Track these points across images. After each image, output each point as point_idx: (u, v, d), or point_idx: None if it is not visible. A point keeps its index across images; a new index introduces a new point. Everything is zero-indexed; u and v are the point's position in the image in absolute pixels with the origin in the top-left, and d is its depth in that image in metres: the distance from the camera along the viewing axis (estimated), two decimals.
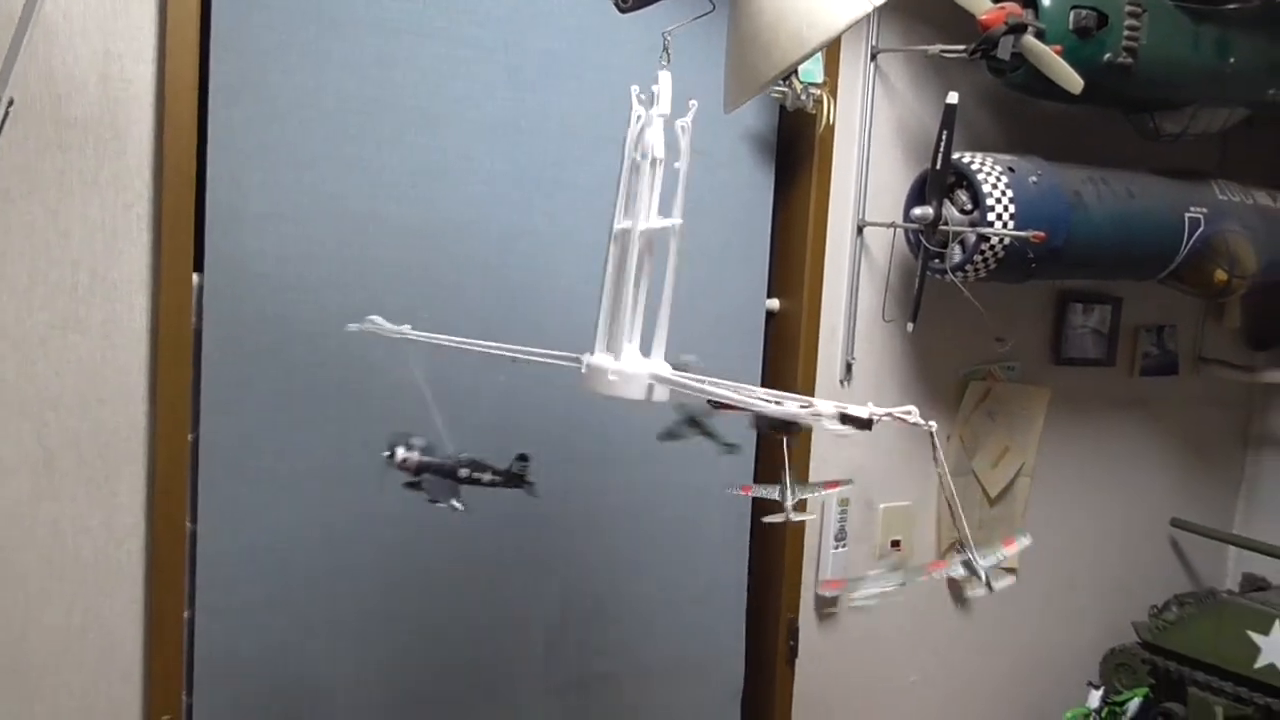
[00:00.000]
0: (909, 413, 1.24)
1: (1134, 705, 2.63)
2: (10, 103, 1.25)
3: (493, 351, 1.45)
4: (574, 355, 1.36)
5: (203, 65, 1.61)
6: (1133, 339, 2.82)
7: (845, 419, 1.14)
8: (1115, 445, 2.84)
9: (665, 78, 1.31)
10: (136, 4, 1.54)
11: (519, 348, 1.45)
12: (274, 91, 1.69)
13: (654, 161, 1.31)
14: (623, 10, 1.31)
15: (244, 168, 1.67)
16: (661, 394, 1.32)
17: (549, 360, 1.40)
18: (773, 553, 2.27)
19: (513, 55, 1.88)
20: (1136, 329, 2.82)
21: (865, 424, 1.23)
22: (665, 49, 1.35)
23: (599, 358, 1.33)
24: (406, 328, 1.47)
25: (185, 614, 1.69)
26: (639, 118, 1.34)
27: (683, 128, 1.37)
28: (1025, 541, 1.60)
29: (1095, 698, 2.66)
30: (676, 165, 1.37)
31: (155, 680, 1.65)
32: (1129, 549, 2.90)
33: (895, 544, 2.42)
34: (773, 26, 1.27)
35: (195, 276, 1.65)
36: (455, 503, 1.47)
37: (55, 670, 1.58)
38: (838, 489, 1.93)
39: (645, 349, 1.36)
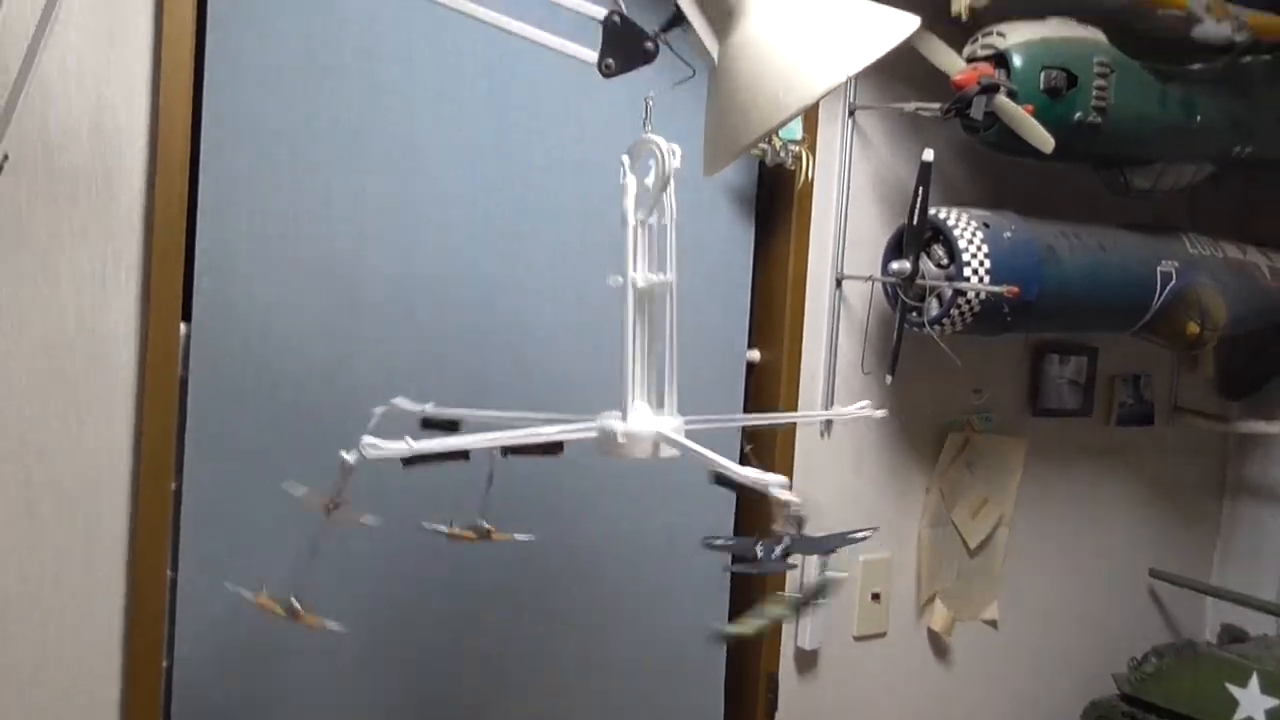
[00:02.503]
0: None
1: None
2: (5, 157, 1.27)
3: (515, 426, 1.42)
4: (593, 423, 1.35)
5: (195, 116, 1.65)
6: (1109, 389, 2.86)
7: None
8: (1093, 495, 2.86)
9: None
10: (131, 55, 1.57)
11: (542, 416, 1.42)
12: (263, 142, 1.72)
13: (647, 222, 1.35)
14: (606, 75, 1.35)
15: (233, 217, 1.70)
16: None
17: (574, 436, 1.37)
18: (752, 603, 2.27)
19: (497, 108, 1.92)
20: (1112, 379, 2.86)
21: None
22: (648, 113, 1.39)
23: (605, 421, 1.33)
24: (429, 406, 1.47)
25: (164, 663, 1.69)
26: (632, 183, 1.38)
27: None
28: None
29: None
30: (664, 223, 1.41)
31: None
32: (1108, 599, 2.92)
33: (875, 596, 2.43)
34: (751, 92, 1.31)
35: (183, 325, 1.66)
36: None
37: (31, 716, 1.58)
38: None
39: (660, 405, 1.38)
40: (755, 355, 2.29)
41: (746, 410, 2.28)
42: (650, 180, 1.36)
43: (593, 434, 1.33)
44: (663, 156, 1.32)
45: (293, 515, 1.78)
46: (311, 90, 1.75)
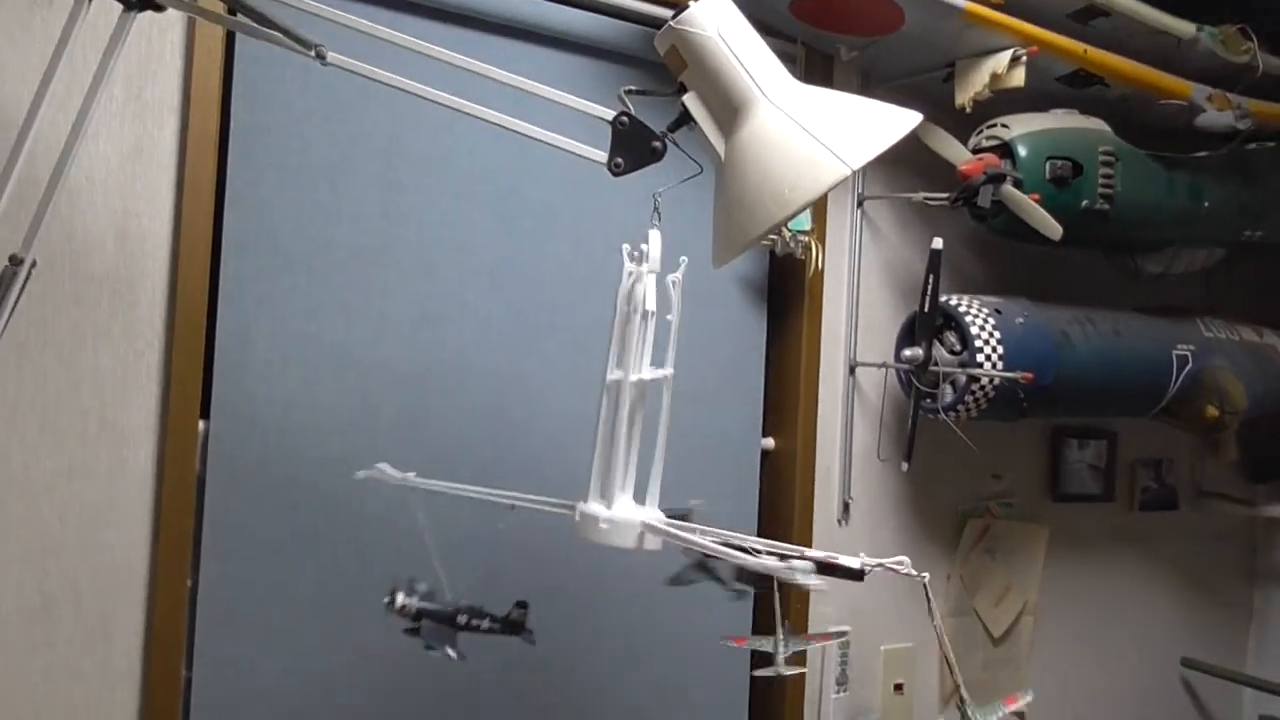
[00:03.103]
0: (901, 563, 1.26)
1: None
2: (33, 264, 1.31)
3: (491, 498, 1.49)
4: (568, 503, 1.39)
5: (216, 221, 1.69)
6: (1130, 473, 2.83)
7: (831, 569, 1.17)
8: (1119, 582, 2.82)
9: (655, 236, 1.38)
10: (156, 167, 1.63)
11: (515, 494, 1.48)
12: (283, 245, 1.76)
13: (645, 315, 1.37)
14: (616, 174, 1.38)
15: (252, 317, 1.74)
16: (654, 543, 1.35)
17: (544, 507, 1.44)
18: (773, 698, 2.24)
19: (508, 206, 1.96)
20: (1133, 463, 2.84)
21: (857, 575, 1.26)
22: (656, 209, 1.42)
23: (593, 506, 1.36)
24: (411, 475, 1.49)
25: None
26: (630, 273, 1.41)
27: (674, 282, 1.44)
28: (1028, 698, 1.58)
29: None
30: (669, 318, 1.43)
31: None
32: (1140, 690, 2.85)
33: (898, 687, 2.38)
34: (757, 188, 1.33)
35: (201, 423, 1.69)
36: (451, 650, 1.47)
37: None
38: (831, 640, 1.91)
39: (640, 497, 1.40)
40: (770, 443, 2.29)
41: (762, 503, 2.27)
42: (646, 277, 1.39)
43: (570, 510, 1.35)
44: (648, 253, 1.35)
45: (307, 610, 1.79)
46: (330, 198, 1.80)
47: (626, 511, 1.35)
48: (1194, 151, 2.36)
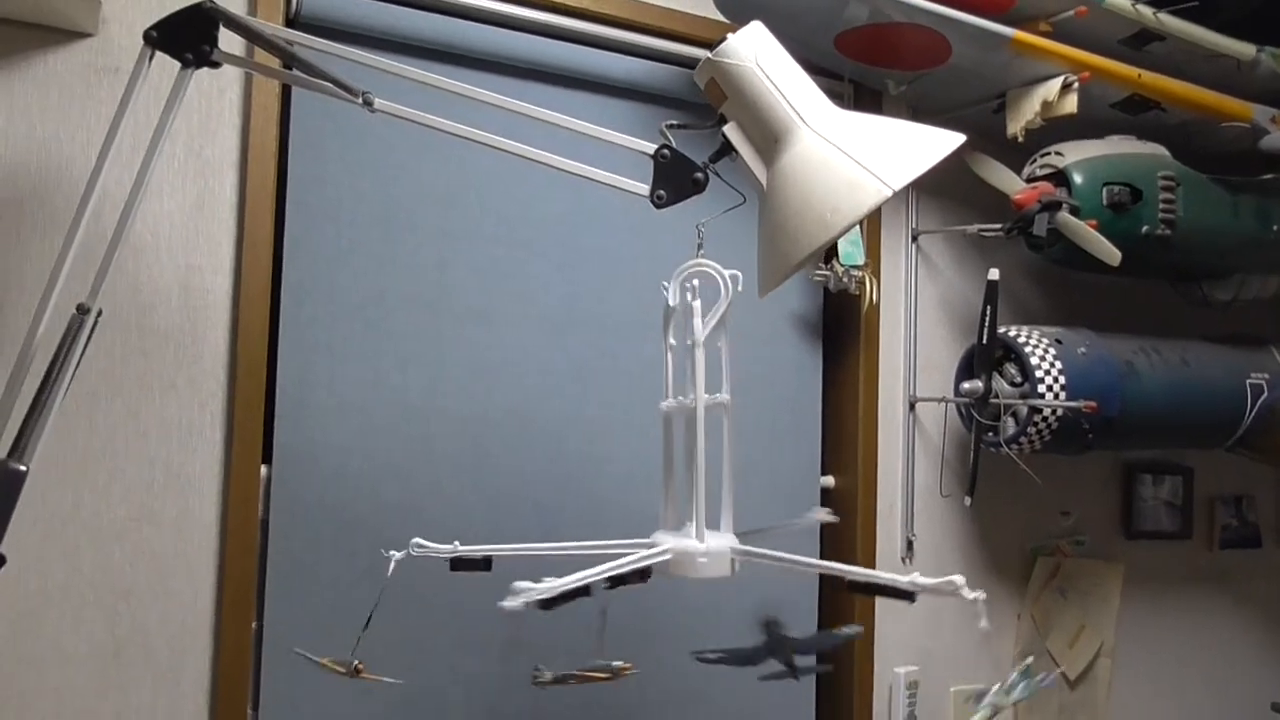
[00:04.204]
0: (950, 583, 1.24)
1: None
2: (99, 313, 1.36)
3: (553, 553, 1.46)
4: (646, 542, 1.38)
5: (275, 272, 1.74)
6: (1209, 510, 2.74)
7: (876, 589, 1.15)
8: (1201, 623, 2.71)
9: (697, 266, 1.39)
10: (217, 223, 1.69)
11: (578, 544, 1.45)
12: (341, 293, 1.81)
13: (694, 344, 1.38)
14: (658, 206, 1.40)
15: (311, 365, 1.78)
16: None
17: (635, 563, 1.39)
18: None
19: (565, 252, 1.99)
20: (1212, 500, 2.74)
21: (907, 596, 1.24)
22: (700, 239, 1.44)
23: (681, 541, 1.35)
24: (455, 544, 1.46)
25: None
26: (673, 305, 1.42)
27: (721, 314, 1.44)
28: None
29: None
30: (719, 345, 1.44)
31: None
32: None
33: None
34: (799, 214, 1.34)
35: (263, 468, 1.72)
36: None
37: None
38: None
39: (714, 524, 1.41)
40: (830, 481, 2.27)
41: (823, 541, 2.24)
42: (697, 305, 1.39)
43: (667, 556, 1.33)
44: (726, 283, 1.35)
45: (368, 653, 1.79)
46: (385, 247, 1.84)
47: (717, 541, 1.36)
48: (1260, 175, 2.31)
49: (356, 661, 1.48)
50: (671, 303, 1.44)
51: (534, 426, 1.94)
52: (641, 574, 1.34)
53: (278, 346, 1.75)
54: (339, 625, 1.77)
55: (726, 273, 1.43)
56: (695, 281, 1.44)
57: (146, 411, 1.63)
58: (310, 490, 1.77)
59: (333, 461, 1.79)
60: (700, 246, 1.44)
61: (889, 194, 1.28)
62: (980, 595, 1.21)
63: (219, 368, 1.68)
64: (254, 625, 1.71)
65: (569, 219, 1.99)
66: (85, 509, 1.58)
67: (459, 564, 1.46)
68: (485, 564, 1.45)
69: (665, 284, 1.46)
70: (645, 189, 1.39)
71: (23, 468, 1.11)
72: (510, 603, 1.19)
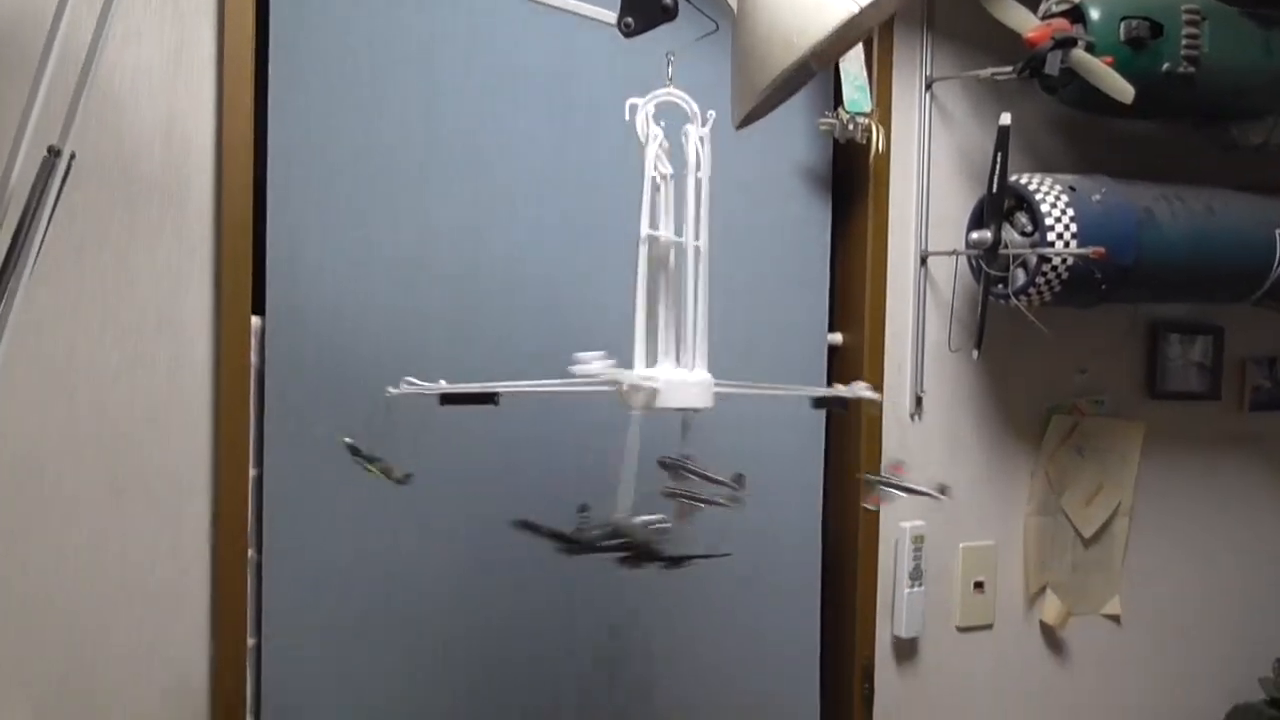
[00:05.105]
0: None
1: None
2: (73, 155, 1.36)
3: (539, 389, 1.47)
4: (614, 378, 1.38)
5: (261, 124, 1.74)
6: (1240, 371, 2.66)
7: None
8: (1226, 484, 2.66)
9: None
10: (197, 72, 1.68)
11: (558, 381, 1.46)
12: (329, 148, 1.80)
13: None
14: (627, 35, 1.35)
15: (301, 219, 1.78)
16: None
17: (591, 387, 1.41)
18: (845, 591, 2.21)
19: (554, 107, 1.95)
20: (1244, 361, 2.66)
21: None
22: (669, 66, 1.39)
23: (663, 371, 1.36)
24: (441, 382, 1.45)
25: (250, 641, 1.76)
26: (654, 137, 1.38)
27: (701, 139, 1.40)
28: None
29: None
30: (699, 175, 1.40)
31: (221, 705, 1.72)
32: (1248, 597, 2.69)
33: (978, 585, 2.32)
34: (767, 39, 1.30)
35: (256, 319, 1.75)
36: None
37: (125, 693, 1.66)
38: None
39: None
40: (837, 338, 2.24)
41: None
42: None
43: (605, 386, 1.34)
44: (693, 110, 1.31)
45: (371, 497, 1.84)
46: (374, 96, 1.82)
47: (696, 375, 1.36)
48: None
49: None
50: (641, 133, 1.39)
51: (524, 278, 1.93)
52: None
53: (266, 199, 1.75)
54: (339, 472, 1.81)
55: (695, 103, 1.39)
56: (652, 113, 1.39)
57: (135, 259, 1.65)
58: (304, 343, 1.79)
59: (325, 315, 1.80)
60: (670, 77, 1.40)
61: (855, 10, 1.23)
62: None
63: (205, 216, 1.69)
64: (254, 472, 1.76)
65: (557, 70, 1.95)
66: (80, 353, 1.62)
67: (449, 399, 1.46)
68: (476, 399, 1.45)
69: (632, 101, 1.40)
70: (613, 18, 1.35)
71: None
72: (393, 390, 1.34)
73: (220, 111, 1.68)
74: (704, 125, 1.38)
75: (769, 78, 1.28)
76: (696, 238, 1.39)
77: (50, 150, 1.34)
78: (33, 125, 1.30)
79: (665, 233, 1.38)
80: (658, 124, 1.40)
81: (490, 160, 1.91)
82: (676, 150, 1.40)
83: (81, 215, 1.60)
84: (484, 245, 1.91)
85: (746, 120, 1.41)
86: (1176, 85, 2.00)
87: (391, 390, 1.46)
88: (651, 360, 1.44)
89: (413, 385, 1.46)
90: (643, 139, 1.38)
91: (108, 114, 1.61)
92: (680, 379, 1.39)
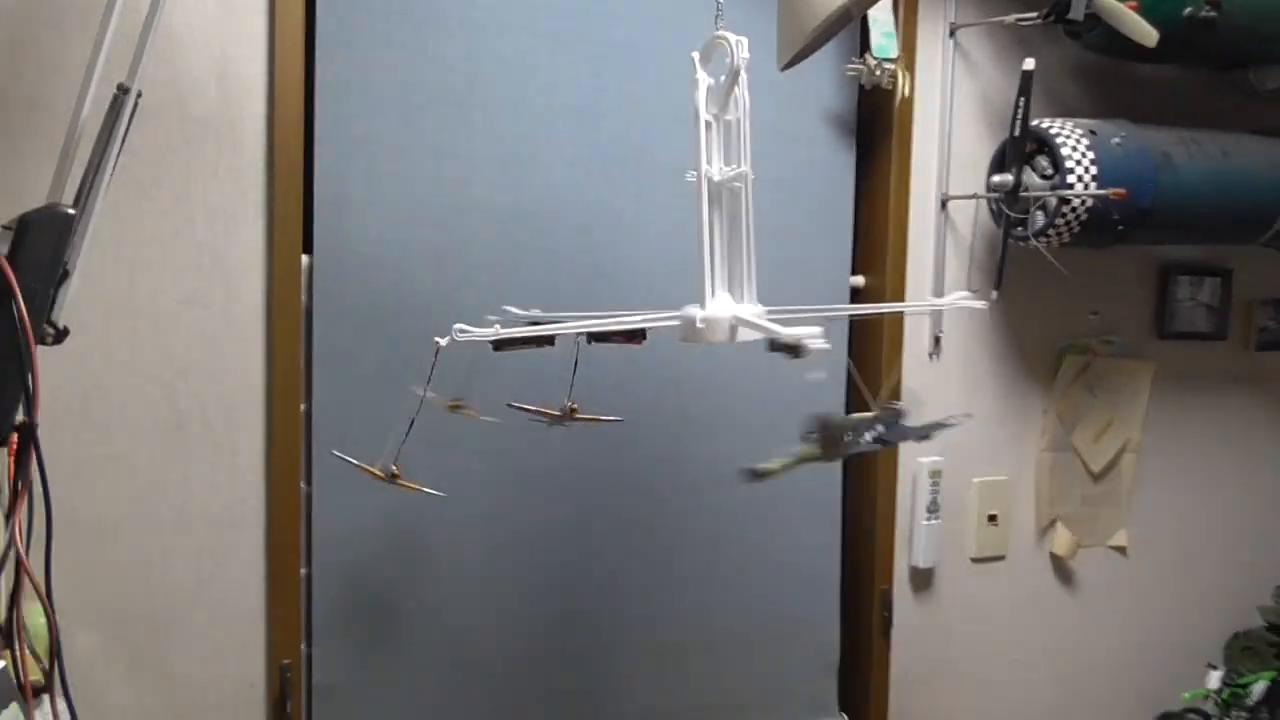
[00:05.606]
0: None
1: (1259, 689, 2.53)
2: (139, 94, 1.41)
3: (586, 327, 1.50)
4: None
5: (309, 64, 1.78)
6: (1247, 313, 2.73)
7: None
8: (1231, 421, 2.74)
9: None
10: (249, 14, 1.72)
11: (606, 314, 1.50)
12: (373, 87, 1.84)
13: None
14: None
15: (347, 158, 1.83)
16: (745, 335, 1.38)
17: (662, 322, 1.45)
18: (865, 523, 2.30)
19: (592, 45, 1.99)
20: (1250, 302, 2.73)
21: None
22: (719, 11, 1.43)
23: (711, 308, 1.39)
24: (496, 327, 1.47)
25: (303, 570, 1.84)
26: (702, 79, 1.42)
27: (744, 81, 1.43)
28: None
29: (1215, 678, 2.58)
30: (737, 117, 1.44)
31: (276, 628, 1.80)
32: (1250, 529, 2.79)
33: (992, 518, 2.41)
34: None
35: (305, 258, 1.80)
36: None
37: (186, 616, 1.75)
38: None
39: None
40: (860, 281, 2.30)
41: (851, 336, 2.29)
42: (723, 78, 1.39)
43: (675, 322, 1.38)
44: (732, 49, 1.35)
45: (415, 434, 1.91)
46: (416, 36, 1.86)
47: (734, 308, 1.38)
48: None
49: (394, 467, 1.56)
50: (698, 77, 1.44)
51: (563, 217, 1.99)
52: (631, 335, 1.39)
53: (314, 141, 1.80)
54: (385, 406, 1.88)
55: (734, 38, 1.42)
56: (696, 56, 1.42)
57: (191, 198, 1.70)
58: (350, 281, 1.85)
59: (370, 253, 1.86)
60: (720, 18, 1.44)
61: None
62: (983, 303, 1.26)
63: (258, 157, 1.74)
64: (304, 406, 1.83)
65: (595, 10, 1.99)
66: (140, 291, 1.68)
67: (502, 345, 1.49)
68: (528, 342, 1.47)
69: (695, 54, 1.45)
70: None
71: (71, 210, 1.17)
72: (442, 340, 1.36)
73: (271, 52, 1.73)
74: (746, 70, 1.42)
75: (817, 19, 1.33)
76: (747, 175, 1.43)
77: (119, 88, 1.39)
78: (101, 64, 1.34)
79: (720, 169, 1.41)
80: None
81: (529, 98, 1.95)
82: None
83: (138, 155, 1.65)
84: (523, 184, 1.96)
85: (791, 63, 1.46)
86: (1198, 29, 2.04)
87: (441, 340, 1.46)
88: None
89: (466, 333, 1.47)
90: (699, 80, 1.41)
91: (163, 54, 1.65)
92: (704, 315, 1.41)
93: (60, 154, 1.31)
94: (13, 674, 1.10)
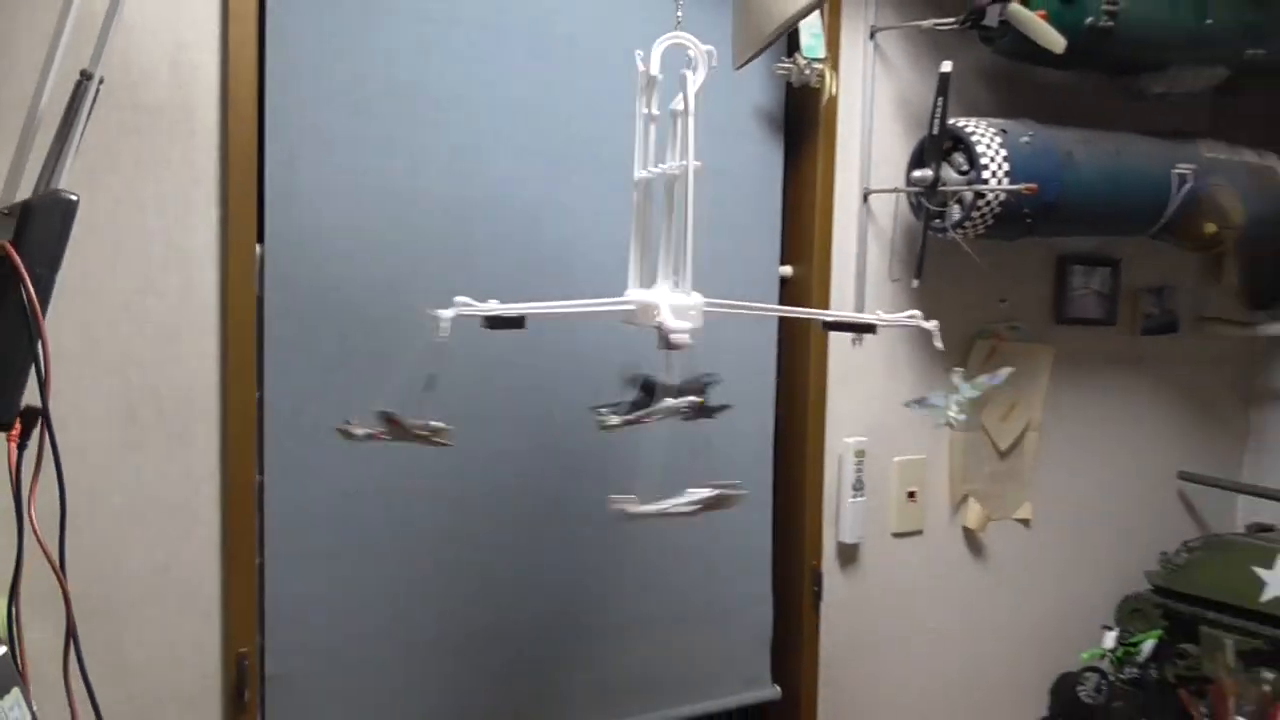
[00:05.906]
0: (914, 315, 1.40)
1: (1148, 646, 2.75)
2: (101, 80, 1.41)
3: (571, 310, 1.60)
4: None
5: (260, 53, 1.78)
6: (1133, 300, 2.95)
7: (833, 326, 1.30)
8: (1120, 401, 2.96)
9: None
10: (201, 1, 1.71)
11: (580, 302, 1.58)
12: (324, 77, 1.85)
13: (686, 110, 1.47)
14: None
15: (298, 149, 1.84)
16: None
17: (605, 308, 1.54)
18: (795, 502, 2.41)
19: (541, 39, 2.04)
20: (1136, 291, 2.94)
21: (869, 329, 1.38)
22: (679, 11, 1.51)
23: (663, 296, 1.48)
24: (494, 302, 1.51)
25: (257, 560, 1.84)
26: (654, 77, 1.50)
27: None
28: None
29: (1110, 638, 2.78)
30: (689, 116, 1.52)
31: (232, 618, 1.80)
32: (1139, 501, 3.02)
33: (911, 495, 2.55)
34: None
35: (257, 247, 1.81)
36: None
37: (141, 607, 1.73)
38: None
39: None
40: (788, 270, 2.41)
41: (781, 323, 2.39)
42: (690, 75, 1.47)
43: (633, 307, 1.47)
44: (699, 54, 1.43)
45: (365, 420, 1.92)
46: (366, 27, 1.88)
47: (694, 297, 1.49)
48: None
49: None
50: (653, 72, 1.51)
51: (511, 208, 2.03)
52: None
53: (264, 130, 1.80)
54: (335, 397, 1.89)
55: (703, 47, 1.51)
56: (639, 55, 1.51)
57: (143, 187, 1.69)
58: (301, 270, 1.86)
59: (321, 243, 1.87)
60: (679, 21, 1.51)
61: None
62: (934, 324, 1.38)
63: (211, 146, 1.74)
64: (257, 394, 1.83)
65: (544, 5, 2.04)
66: (92, 279, 1.66)
67: (495, 323, 1.51)
68: (519, 322, 1.51)
69: (640, 53, 1.52)
70: None
71: (74, 196, 1.17)
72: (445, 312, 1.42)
73: (225, 40, 1.73)
74: (698, 70, 1.51)
75: (775, 23, 1.41)
76: (689, 171, 1.51)
77: (83, 74, 1.39)
78: (61, 50, 1.34)
79: (667, 166, 1.49)
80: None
81: (477, 92, 1.99)
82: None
83: (92, 142, 1.62)
84: (472, 175, 2.00)
85: (746, 62, 1.54)
86: (1097, 38, 2.21)
87: (443, 312, 1.49)
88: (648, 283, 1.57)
89: (469, 305, 1.50)
90: (648, 78, 1.49)
91: (116, 40, 1.63)
92: (682, 301, 1.52)
93: (18, 142, 1.30)
94: (12, 660, 1.10)
